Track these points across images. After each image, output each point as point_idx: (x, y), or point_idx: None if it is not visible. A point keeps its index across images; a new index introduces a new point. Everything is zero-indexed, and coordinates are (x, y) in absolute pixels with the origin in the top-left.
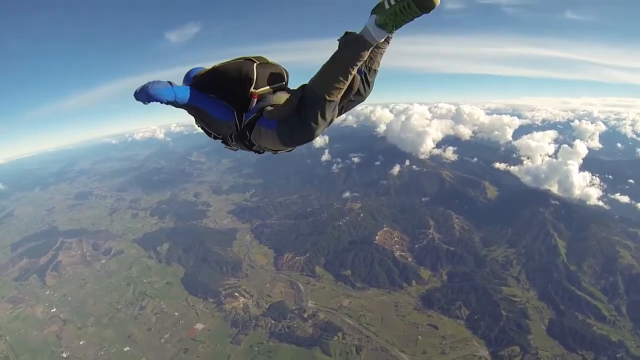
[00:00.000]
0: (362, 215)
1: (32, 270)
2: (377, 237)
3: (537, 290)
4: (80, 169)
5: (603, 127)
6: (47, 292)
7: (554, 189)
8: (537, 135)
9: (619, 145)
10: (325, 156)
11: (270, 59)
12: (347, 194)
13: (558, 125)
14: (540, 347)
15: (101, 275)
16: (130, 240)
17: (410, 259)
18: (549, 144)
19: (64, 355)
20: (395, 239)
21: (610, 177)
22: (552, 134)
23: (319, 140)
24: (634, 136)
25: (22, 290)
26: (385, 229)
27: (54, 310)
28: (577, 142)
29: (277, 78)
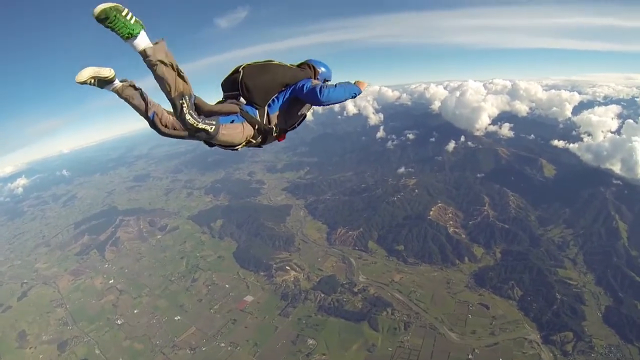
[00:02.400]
0: (416, 191)
1: (93, 245)
2: (431, 213)
3: (595, 275)
4: (138, 154)
5: None
6: (106, 265)
7: (617, 168)
8: (599, 110)
9: None
10: (380, 133)
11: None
12: (402, 170)
13: (622, 102)
14: (595, 335)
15: (156, 250)
16: (185, 217)
17: (463, 236)
18: (612, 119)
19: (119, 322)
20: (450, 214)
21: None
22: (615, 108)
23: (374, 118)
24: None
25: (83, 264)
26: (439, 204)
27: (112, 281)
28: None
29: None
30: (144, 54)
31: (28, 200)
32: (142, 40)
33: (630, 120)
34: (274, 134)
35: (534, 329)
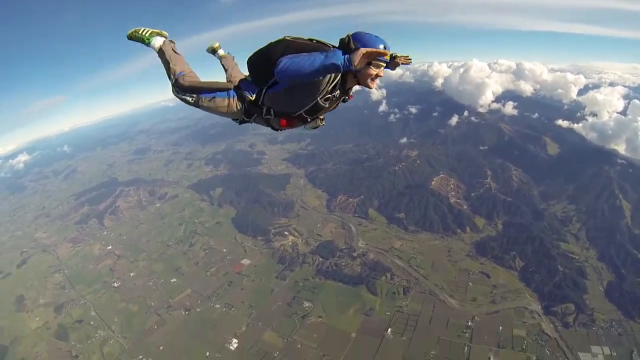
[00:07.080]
0: (418, 162)
1: (92, 215)
2: (432, 183)
3: (597, 250)
4: (139, 129)
5: None
6: (105, 233)
7: (621, 148)
8: (605, 90)
9: None
10: (383, 107)
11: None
12: (404, 140)
13: (629, 89)
14: (597, 309)
15: (155, 217)
16: (184, 186)
17: (465, 207)
18: (618, 99)
19: (115, 285)
20: (451, 185)
21: None
22: (621, 89)
23: (376, 93)
24: None
25: (82, 232)
26: (441, 175)
27: (110, 247)
28: None
29: None
30: (157, 52)
31: (29, 175)
32: (154, 45)
33: (637, 101)
34: (266, 116)
35: (534, 299)
